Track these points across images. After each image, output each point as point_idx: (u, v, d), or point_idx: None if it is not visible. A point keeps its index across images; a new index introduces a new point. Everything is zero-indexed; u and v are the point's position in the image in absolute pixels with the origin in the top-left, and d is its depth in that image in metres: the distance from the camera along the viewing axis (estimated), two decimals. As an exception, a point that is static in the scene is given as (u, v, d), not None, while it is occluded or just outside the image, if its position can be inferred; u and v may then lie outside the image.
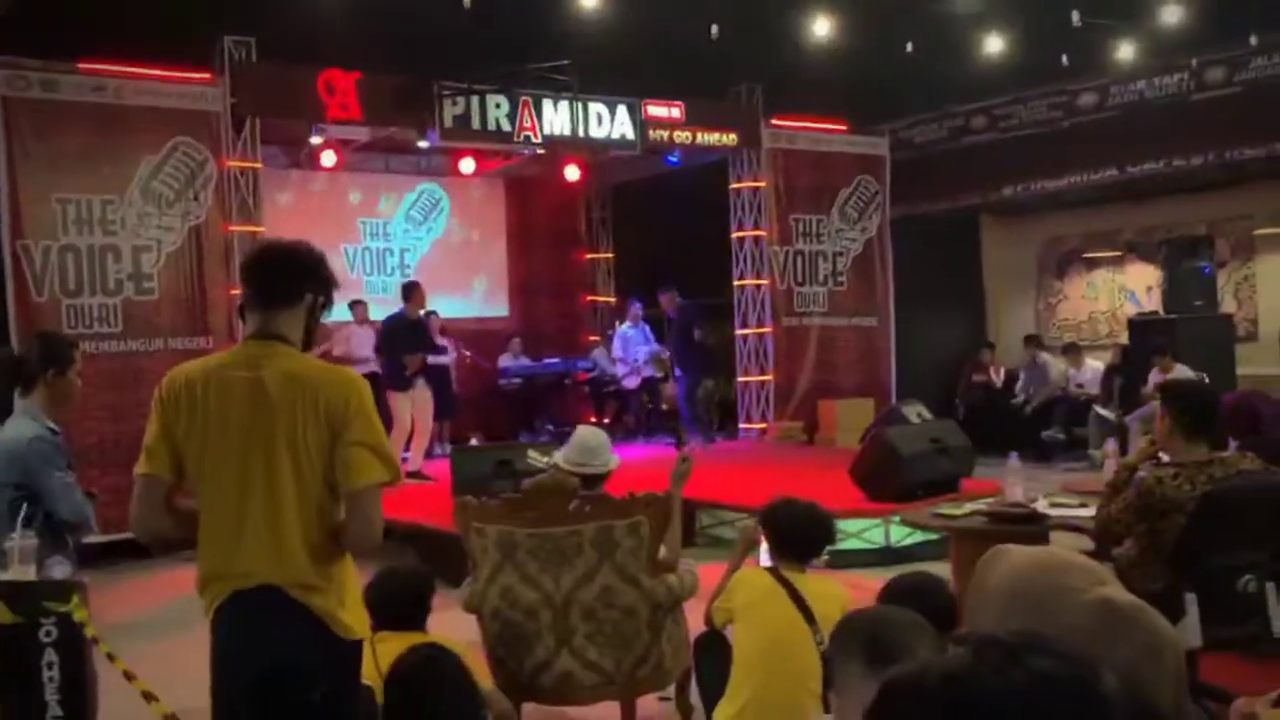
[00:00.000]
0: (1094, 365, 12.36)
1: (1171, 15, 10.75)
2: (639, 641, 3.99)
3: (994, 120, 13.37)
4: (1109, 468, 5.02)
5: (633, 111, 11.15)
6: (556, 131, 10.74)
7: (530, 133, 10.62)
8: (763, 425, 12.23)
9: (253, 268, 2.84)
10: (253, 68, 9.43)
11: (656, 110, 11.34)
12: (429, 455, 10.28)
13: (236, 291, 8.40)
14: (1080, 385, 12.18)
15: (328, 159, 11.36)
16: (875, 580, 4.14)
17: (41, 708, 3.32)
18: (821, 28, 10.97)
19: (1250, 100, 11.16)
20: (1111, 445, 6.01)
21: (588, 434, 4.45)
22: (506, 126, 10.52)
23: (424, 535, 7.22)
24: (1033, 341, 12.85)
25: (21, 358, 4.27)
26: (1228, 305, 12.15)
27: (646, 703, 4.26)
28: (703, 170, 12.40)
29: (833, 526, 3.93)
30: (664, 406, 12.93)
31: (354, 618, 2.73)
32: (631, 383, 12.94)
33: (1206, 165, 11.58)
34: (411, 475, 9.21)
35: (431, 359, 10.17)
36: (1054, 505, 5.20)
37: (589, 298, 14.62)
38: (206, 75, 9.31)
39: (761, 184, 12.17)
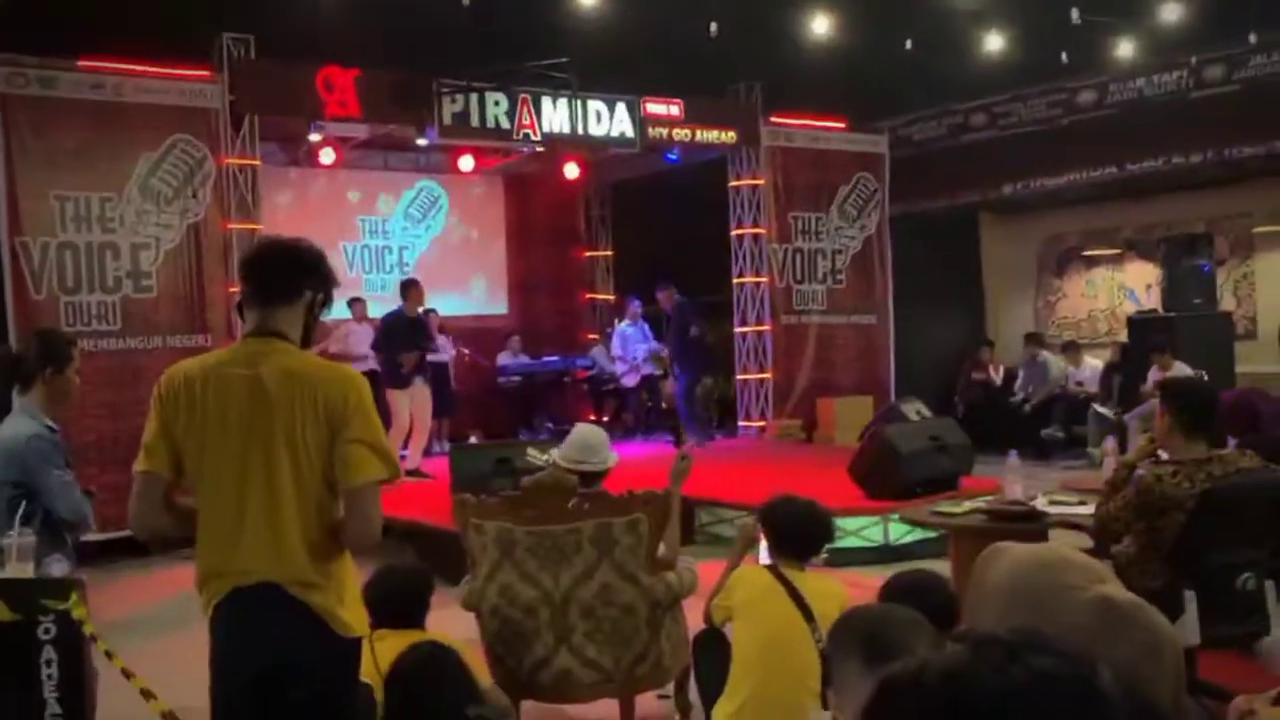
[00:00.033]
0: (1093, 363, 12.35)
1: (1171, 13, 10.76)
2: (638, 639, 3.99)
3: (993, 118, 13.36)
4: (1108, 466, 5.01)
5: (632, 109, 11.14)
6: (555, 129, 10.73)
7: (529, 130, 10.61)
8: (762, 423, 12.22)
9: (252, 265, 2.83)
10: (251, 65, 9.41)
11: (655, 108, 11.32)
12: (428, 453, 10.29)
13: (235, 289, 8.32)
14: (1079, 383, 12.18)
15: (326, 156, 11.34)
16: (874, 578, 4.14)
17: (40, 705, 3.31)
18: (820, 25, 10.95)
19: (1249, 98, 11.16)
20: (1111, 443, 6.01)
21: (586, 432, 4.45)
22: (505, 124, 10.50)
23: (423, 533, 7.21)
24: (1032, 339, 12.83)
25: (20, 355, 4.26)
26: (1227, 303, 12.14)
27: (645, 700, 4.25)
28: (702, 168, 12.38)
29: (832, 524, 3.93)
30: (663, 404, 12.90)
31: (353, 615, 2.73)
32: (630, 381, 12.91)
33: (1206, 163, 11.59)
34: (410, 473, 9.21)
35: (430, 357, 10.16)
36: (1053, 503, 5.20)
37: (588, 295, 14.60)
38: (205, 72, 9.29)
39: (760, 182, 12.15)
